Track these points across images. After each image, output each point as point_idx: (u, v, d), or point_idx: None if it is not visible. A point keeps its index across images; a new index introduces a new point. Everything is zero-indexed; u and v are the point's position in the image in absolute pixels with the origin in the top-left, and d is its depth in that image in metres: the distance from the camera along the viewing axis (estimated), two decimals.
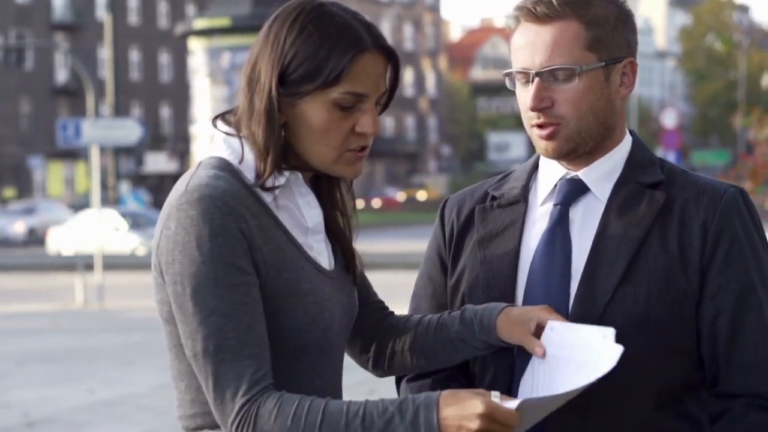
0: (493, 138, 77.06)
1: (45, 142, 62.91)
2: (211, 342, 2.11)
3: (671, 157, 40.44)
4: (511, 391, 2.32)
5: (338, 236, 2.38)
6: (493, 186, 2.53)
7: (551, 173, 2.45)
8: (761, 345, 2.30)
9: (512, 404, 2.05)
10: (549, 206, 2.44)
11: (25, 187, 62.17)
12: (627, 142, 2.45)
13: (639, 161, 2.43)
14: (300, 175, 2.26)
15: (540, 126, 2.36)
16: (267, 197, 2.23)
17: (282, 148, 2.22)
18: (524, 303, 2.37)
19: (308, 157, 2.23)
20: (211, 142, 2.33)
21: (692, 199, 2.35)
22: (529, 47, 2.34)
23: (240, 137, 2.24)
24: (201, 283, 2.12)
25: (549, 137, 2.35)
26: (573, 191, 2.41)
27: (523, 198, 2.47)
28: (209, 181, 2.17)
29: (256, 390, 2.10)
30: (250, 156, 2.23)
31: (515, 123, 72.03)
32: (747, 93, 63.11)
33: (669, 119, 41.69)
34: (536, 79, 2.33)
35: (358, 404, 2.09)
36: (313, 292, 2.22)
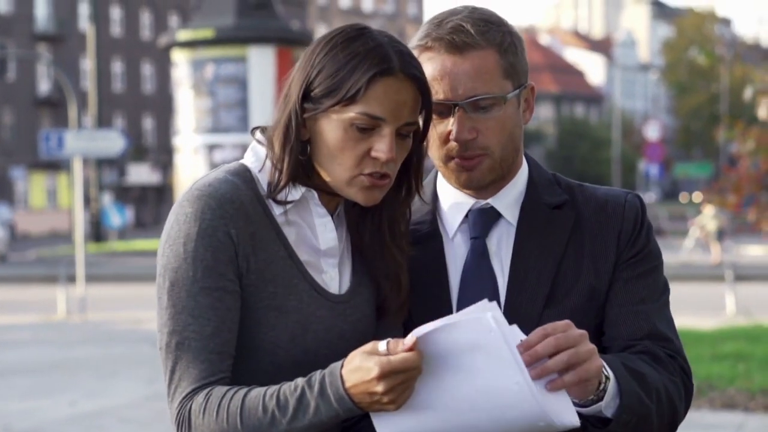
0: None
1: (27, 153, 62.74)
2: (174, 338, 2.15)
3: (654, 170, 40.58)
4: None
5: (381, 266, 2.34)
6: None
7: (457, 202, 2.42)
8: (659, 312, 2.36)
9: (407, 341, 1.98)
10: (461, 238, 2.41)
11: (6, 198, 61.93)
12: (525, 165, 2.46)
13: (539, 182, 2.44)
14: (316, 194, 2.26)
15: (462, 158, 2.32)
16: (277, 210, 2.24)
17: (302, 164, 2.23)
18: None
19: (326, 175, 2.23)
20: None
21: (597, 213, 2.40)
22: (448, 78, 2.30)
23: (267, 148, 2.26)
24: (178, 280, 2.16)
25: (472, 168, 2.33)
26: (487, 221, 2.40)
27: (435, 231, 2.42)
28: (214, 182, 2.20)
29: (196, 391, 2.13)
30: (269, 166, 2.25)
31: None
32: (729, 106, 63.31)
33: (652, 132, 41.84)
34: (459, 111, 2.29)
35: (275, 387, 2.09)
36: (300, 311, 2.22)
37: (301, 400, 2.05)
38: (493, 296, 2.33)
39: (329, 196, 2.28)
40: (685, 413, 2.36)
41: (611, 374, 2.17)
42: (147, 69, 71.45)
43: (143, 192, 67.97)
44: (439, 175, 2.45)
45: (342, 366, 2.04)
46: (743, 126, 13.23)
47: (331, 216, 2.30)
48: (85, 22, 61.67)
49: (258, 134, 2.31)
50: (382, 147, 2.18)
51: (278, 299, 2.20)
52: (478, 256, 2.38)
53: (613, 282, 2.36)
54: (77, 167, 20.61)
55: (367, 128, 2.18)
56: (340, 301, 2.29)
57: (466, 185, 2.37)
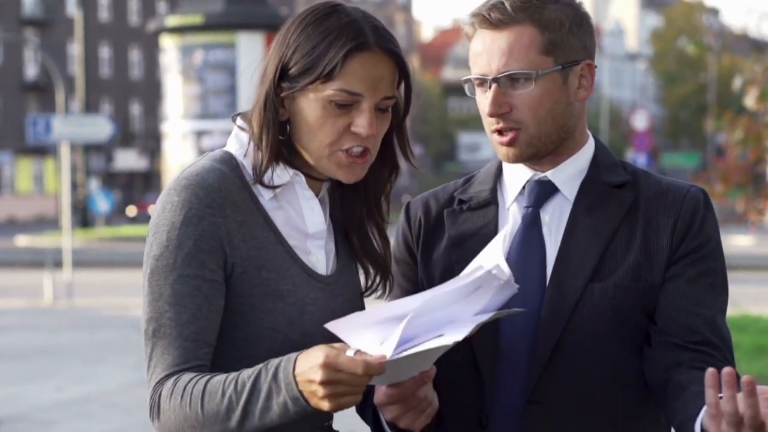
0: (464, 138, 77.20)
1: (14, 138, 62.54)
2: (152, 325, 2.16)
3: (642, 159, 40.69)
4: (483, 405, 2.35)
5: (368, 252, 2.38)
6: (459, 190, 2.54)
7: (517, 175, 2.47)
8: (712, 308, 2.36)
9: (373, 359, 1.98)
10: (518, 207, 2.45)
11: None
12: (591, 145, 2.48)
13: (603, 162, 2.47)
14: (303, 178, 2.27)
15: (499, 132, 2.37)
16: (265, 194, 2.24)
17: (283, 144, 2.23)
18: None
19: (306, 153, 2.24)
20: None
21: (657, 198, 2.41)
22: (486, 53, 2.35)
23: (248, 132, 2.26)
24: (159, 267, 2.16)
25: (509, 143, 2.37)
26: (543, 192, 2.44)
27: (492, 200, 2.48)
28: (201, 171, 2.19)
29: (167, 378, 2.13)
30: (251, 149, 2.25)
31: None
32: (717, 96, 63.41)
33: (640, 121, 41.85)
34: (494, 85, 2.34)
35: (237, 372, 2.08)
36: (294, 294, 2.22)
37: (255, 383, 2.05)
38: (540, 265, 2.38)
39: (313, 179, 2.29)
40: None
41: None
42: (135, 54, 71.26)
43: (130, 178, 67.82)
44: None
45: (299, 353, 2.03)
46: (732, 116, 13.25)
47: (318, 199, 2.31)
48: (72, 7, 61.44)
49: (239, 120, 2.31)
50: (362, 122, 2.20)
51: (272, 284, 2.20)
52: (530, 225, 2.42)
53: (672, 277, 2.36)
54: (64, 152, 20.56)
55: (345, 104, 2.19)
56: (330, 282, 2.30)
57: (506, 159, 2.41)
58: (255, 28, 16.55)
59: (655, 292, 2.35)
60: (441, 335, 2.04)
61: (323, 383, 1.97)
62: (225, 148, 2.29)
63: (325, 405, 2.00)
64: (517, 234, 2.42)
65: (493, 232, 2.43)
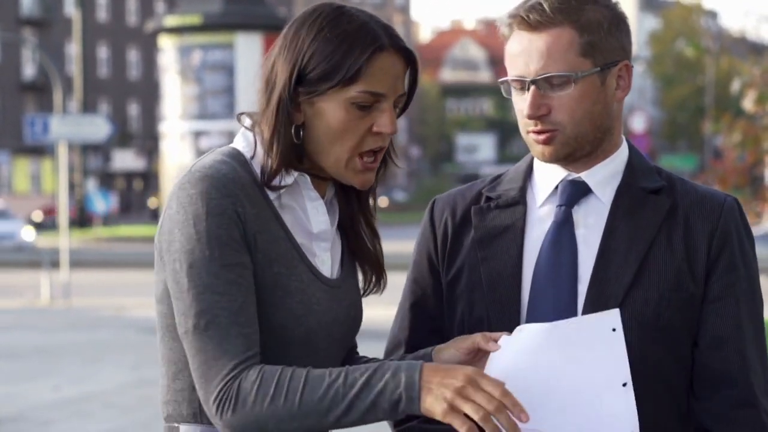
0: (462, 139, 77.19)
1: (11, 138, 62.50)
2: (203, 318, 2.12)
3: None
4: None
5: (361, 250, 2.39)
6: (487, 187, 2.52)
7: (550, 175, 2.45)
8: (741, 353, 2.34)
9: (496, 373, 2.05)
10: (549, 208, 2.43)
11: None
12: (625, 148, 2.46)
13: (638, 167, 2.45)
14: (308, 178, 2.27)
15: (537, 132, 2.36)
16: (271, 194, 2.24)
17: (295, 148, 2.23)
18: (530, 303, 2.36)
19: (323, 158, 2.24)
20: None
21: (694, 206, 2.38)
22: (524, 55, 2.34)
23: (254, 134, 2.27)
24: (196, 260, 2.13)
25: (546, 141, 2.36)
26: (576, 193, 2.42)
27: (521, 199, 2.46)
28: (213, 164, 2.19)
29: (240, 368, 2.10)
30: (261, 152, 2.25)
31: (484, 124, 72.22)
32: (715, 98, 63.40)
33: (638, 123, 41.89)
34: (532, 87, 2.33)
35: (341, 368, 2.09)
36: (302, 292, 2.22)
37: (370, 379, 2.05)
38: (572, 265, 2.36)
39: (319, 180, 2.29)
40: None
41: None
42: (133, 54, 71.24)
43: (128, 178, 67.78)
44: None
45: (424, 363, 2.07)
46: (730, 118, 13.25)
47: (323, 200, 2.31)
48: (70, 7, 61.40)
49: (246, 119, 2.31)
50: (385, 122, 2.22)
51: (282, 279, 2.20)
52: (563, 223, 2.40)
53: (708, 294, 2.35)
54: (62, 152, 20.55)
55: (367, 105, 2.21)
56: (334, 285, 2.30)
57: (542, 158, 2.40)
58: (253, 29, 16.54)
59: (696, 304, 2.34)
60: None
61: (457, 390, 2.01)
62: (232, 146, 2.30)
63: (438, 408, 2.02)
64: (549, 232, 2.40)
65: (521, 230, 2.42)
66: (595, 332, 2.13)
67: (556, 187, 2.43)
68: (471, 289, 2.41)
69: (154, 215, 50.19)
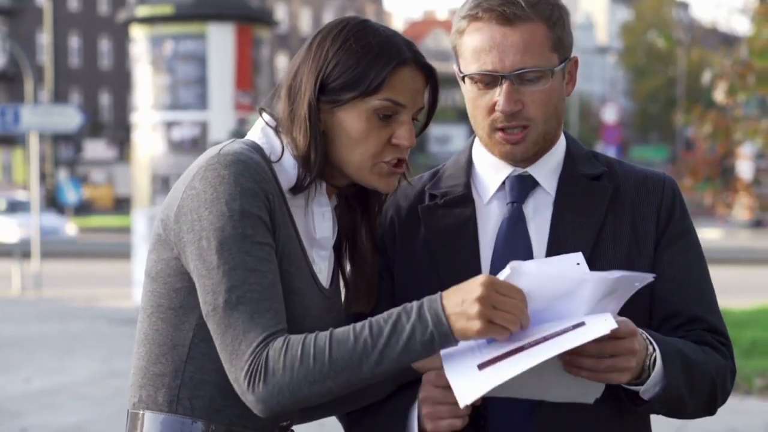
0: (434, 130, 77.16)
1: None
2: (234, 294, 2.13)
3: (611, 152, 40.86)
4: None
5: (358, 264, 2.41)
6: (429, 185, 2.52)
7: (493, 171, 2.46)
8: (710, 296, 2.45)
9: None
10: (497, 204, 2.45)
11: None
12: (562, 138, 2.50)
13: (577, 154, 2.48)
14: (324, 184, 2.31)
15: (503, 129, 2.36)
16: (288, 195, 2.27)
17: (324, 156, 2.27)
18: None
19: (344, 165, 2.29)
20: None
21: (636, 187, 2.44)
22: (497, 49, 2.33)
23: (280, 138, 2.29)
24: (227, 238, 2.14)
25: (516, 142, 2.37)
26: (524, 188, 2.44)
27: (468, 196, 2.47)
28: (244, 151, 2.22)
29: (269, 339, 2.11)
30: (289, 160, 2.27)
31: (456, 115, 72.19)
32: (687, 90, 63.67)
33: (609, 115, 42.03)
34: (506, 82, 2.33)
35: (364, 321, 2.10)
36: (303, 294, 2.25)
37: (396, 324, 2.06)
38: (527, 259, 2.36)
39: (332, 186, 2.34)
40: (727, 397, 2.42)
41: (659, 358, 2.22)
42: (104, 44, 70.89)
43: (98, 167, 67.47)
44: (476, 143, 2.50)
45: (441, 293, 2.08)
46: (701, 110, 13.32)
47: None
48: None
49: (266, 116, 2.33)
50: (403, 134, 2.28)
51: (289, 277, 2.23)
52: (515, 220, 2.42)
53: (659, 260, 2.41)
54: (33, 143, 20.45)
55: (388, 115, 2.25)
56: (328, 295, 2.34)
57: (510, 158, 2.41)
58: (226, 19, 16.49)
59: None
60: (581, 324, 2.08)
61: (480, 299, 2.02)
62: (252, 139, 2.31)
63: (475, 325, 2.02)
64: (501, 229, 2.42)
65: (473, 228, 2.43)
66: (567, 266, 2.16)
67: (503, 183, 2.44)
68: (429, 290, 2.32)
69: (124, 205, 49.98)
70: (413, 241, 2.46)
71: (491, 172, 2.46)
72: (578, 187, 2.43)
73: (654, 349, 2.23)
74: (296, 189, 2.27)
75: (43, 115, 20.83)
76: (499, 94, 2.34)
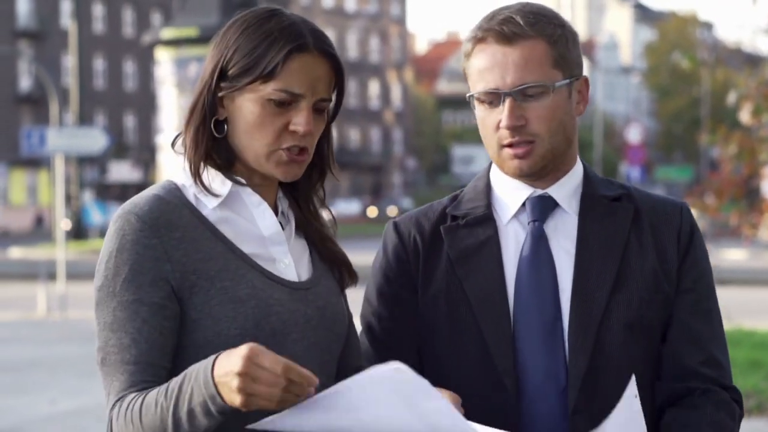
0: (458, 151, 77.15)
1: (7, 150, 62.49)
2: (101, 354, 2.23)
3: (635, 173, 40.82)
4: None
5: (321, 247, 2.42)
6: (450, 207, 2.55)
7: (513, 192, 2.49)
8: (717, 341, 2.48)
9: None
10: (517, 224, 2.48)
11: None
12: (579, 163, 2.54)
13: (594, 178, 2.53)
14: (249, 188, 2.31)
15: (511, 145, 2.40)
16: (209, 204, 2.27)
17: (221, 147, 2.28)
18: (515, 317, 2.41)
19: (245, 153, 2.28)
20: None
21: (654, 210, 2.48)
22: (498, 68, 2.38)
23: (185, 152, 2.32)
24: (102, 297, 2.23)
25: (523, 156, 2.40)
26: (545, 208, 2.47)
27: (490, 216, 2.50)
28: (136, 199, 2.26)
29: (117, 402, 2.16)
30: (187, 163, 2.30)
31: (480, 136, 72.38)
32: (711, 110, 63.47)
33: (633, 135, 41.93)
34: (508, 99, 2.37)
35: (171, 380, 2.10)
36: (255, 297, 2.24)
37: (180, 388, 2.06)
38: (552, 278, 2.41)
39: (263, 188, 2.33)
40: None
41: None
42: (129, 66, 71.27)
43: (124, 190, 67.76)
44: (493, 167, 2.54)
45: (221, 353, 2.04)
46: (726, 130, 13.26)
47: (276, 211, 2.34)
48: (66, 19, 61.42)
49: (178, 146, 2.34)
50: (300, 120, 2.25)
51: (230, 291, 2.22)
52: (537, 239, 2.45)
53: (677, 309, 2.44)
54: (59, 165, 20.54)
55: (284, 103, 2.24)
56: (300, 288, 2.31)
57: (518, 173, 2.43)
58: None
59: (670, 303, 2.42)
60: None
61: (240, 374, 1.97)
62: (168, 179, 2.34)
63: (237, 399, 1.98)
64: (525, 247, 2.44)
65: (496, 246, 2.45)
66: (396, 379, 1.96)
67: (523, 204, 2.47)
68: (455, 307, 2.44)
69: None
70: (437, 260, 2.48)
71: (511, 194, 2.49)
72: (599, 208, 2.47)
73: None
74: (196, 178, 2.26)
75: (69, 138, 20.94)
76: (502, 112, 2.38)
